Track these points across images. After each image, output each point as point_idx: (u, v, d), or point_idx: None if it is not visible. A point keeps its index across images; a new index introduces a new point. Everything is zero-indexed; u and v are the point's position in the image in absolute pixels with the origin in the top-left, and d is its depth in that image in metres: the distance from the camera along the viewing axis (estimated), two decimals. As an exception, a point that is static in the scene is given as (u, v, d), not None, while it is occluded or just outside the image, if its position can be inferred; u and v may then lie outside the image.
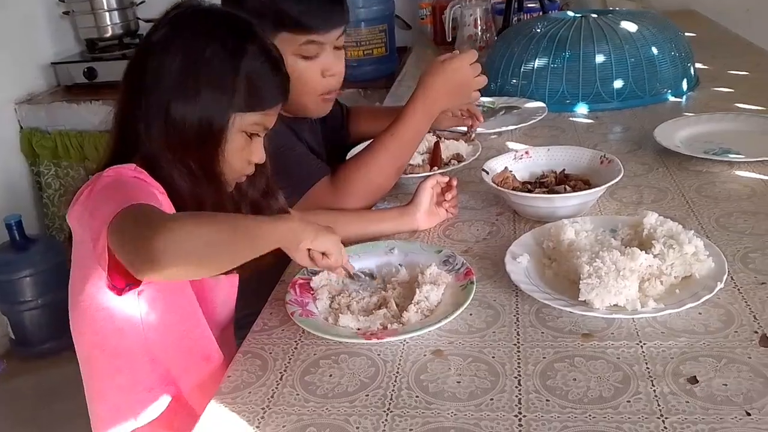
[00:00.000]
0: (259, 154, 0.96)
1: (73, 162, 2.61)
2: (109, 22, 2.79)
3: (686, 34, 1.83)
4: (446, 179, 1.17)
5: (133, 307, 0.89)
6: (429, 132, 1.44)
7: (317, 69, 1.21)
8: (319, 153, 1.32)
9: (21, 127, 2.67)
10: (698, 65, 1.84)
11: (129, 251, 0.74)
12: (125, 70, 0.94)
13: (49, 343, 2.45)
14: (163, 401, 0.95)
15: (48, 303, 2.43)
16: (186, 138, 0.89)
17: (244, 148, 0.94)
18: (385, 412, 0.74)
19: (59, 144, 2.61)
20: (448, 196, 1.16)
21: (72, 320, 0.94)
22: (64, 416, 2.12)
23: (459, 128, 1.49)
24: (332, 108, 1.43)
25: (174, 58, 0.89)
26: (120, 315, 0.89)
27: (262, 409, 0.77)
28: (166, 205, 0.86)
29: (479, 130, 1.52)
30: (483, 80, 1.25)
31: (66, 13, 2.83)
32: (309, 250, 0.85)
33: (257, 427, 0.74)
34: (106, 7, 2.76)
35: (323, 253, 0.86)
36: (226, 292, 1.01)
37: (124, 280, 0.81)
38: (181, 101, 0.89)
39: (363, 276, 0.98)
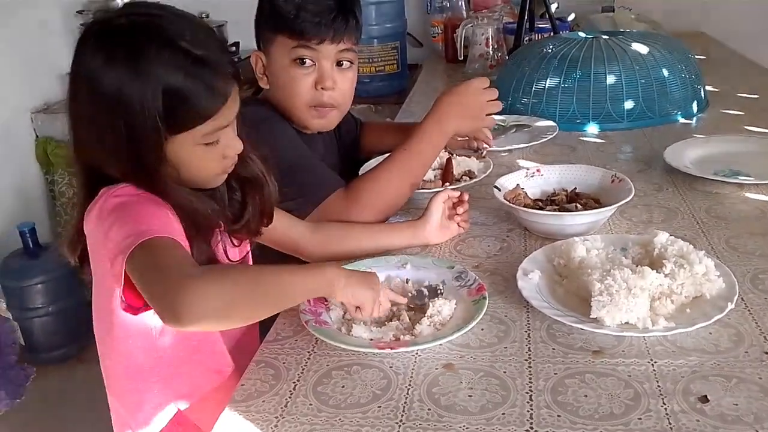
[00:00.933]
0: (232, 148, 0.90)
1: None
2: (125, 34, 2.83)
3: (696, 56, 1.85)
4: (458, 194, 1.18)
5: (148, 324, 0.89)
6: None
7: (310, 79, 1.23)
8: (332, 168, 1.33)
9: (36, 136, 2.71)
10: (708, 87, 1.85)
11: (152, 301, 0.76)
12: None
13: (58, 351, 2.47)
14: (169, 416, 0.96)
15: (58, 310, 2.44)
16: (130, 169, 0.85)
17: (209, 154, 0.88)
18: (397, 423, 0.75)
19: (74, 153, 2.64)
20: (460, 210, 1.17)
21: (95, 331, 0.95)
22: (72, 423, 2.14)
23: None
24: (348, 122, 1.45)
25: (89, 85, 0.83)
26: (135, 332, 0.90)
27: (275, 417, 0.78)
28: (178, 225, 0.85)
29: (490, 147, 1.54)
30: (497, 105, 1.27)
31: (83, 24, 2.87)
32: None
33: (270, 436, 0.75)
34: (123, 19, 2.80)
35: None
36: None
37: (141, 300, 0.82)
38: (106, 133, 0.83)
39: (423, 292, 0.97)
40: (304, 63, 1.22)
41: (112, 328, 0.90)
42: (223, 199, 0.96)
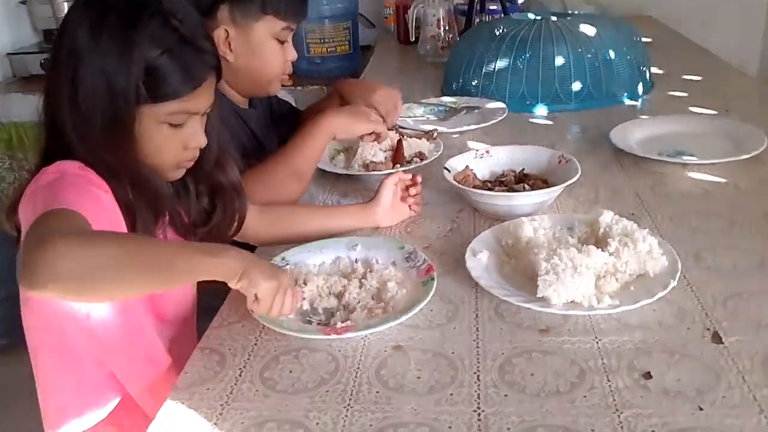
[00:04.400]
0: (195, 139, 0.89)
1: (29, 154, 2.55)
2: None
3: (642, 39, 1.87)
4: (410, 176, 1.17)
5: (77, 307, 0.86)
6: (392, 129, 1.45)
7: (284, 54, 1.31)
8: (263, 141, 1.37)
9: (-27, 119, 2.60)
10: (654, 69, 1.88)
11: (20, 262, 0.68)
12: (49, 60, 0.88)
13: (1, 340, 2.39)
14: (111, 400, 0.94)
15: (1, 299, 2.36)
16: (95, 135, 0.84)
17: (172, 138, 0.88)
18: (345, 407, 0.74)
19: (14, 136, 2.54)
20: (413, 191, 1.16)
21: (23, 316, 0.92)
22: (18, 414, 2.07)
23: (422, 127, 1.50)
24: (279, 100, 1.53)
25: (70, 46, 0.83)
26: (64, 314, 0.87)
27: (221, 405, 0.76)
28: (110, 207, 0.83)
29: (441, 129, 1.53)
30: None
31: (23, 2, 2.76)
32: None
33: (215, 423, 0.73)
34: (63, -3, 2.70)
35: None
36: (183, 289, 1.00)
37: None
38: (82, 96, 0.83)
39: (318, 311, 0.93)
40: (282, 41, 1.29)
41: (42, 307, 0.87)
42: (185, 200, 0.96)
